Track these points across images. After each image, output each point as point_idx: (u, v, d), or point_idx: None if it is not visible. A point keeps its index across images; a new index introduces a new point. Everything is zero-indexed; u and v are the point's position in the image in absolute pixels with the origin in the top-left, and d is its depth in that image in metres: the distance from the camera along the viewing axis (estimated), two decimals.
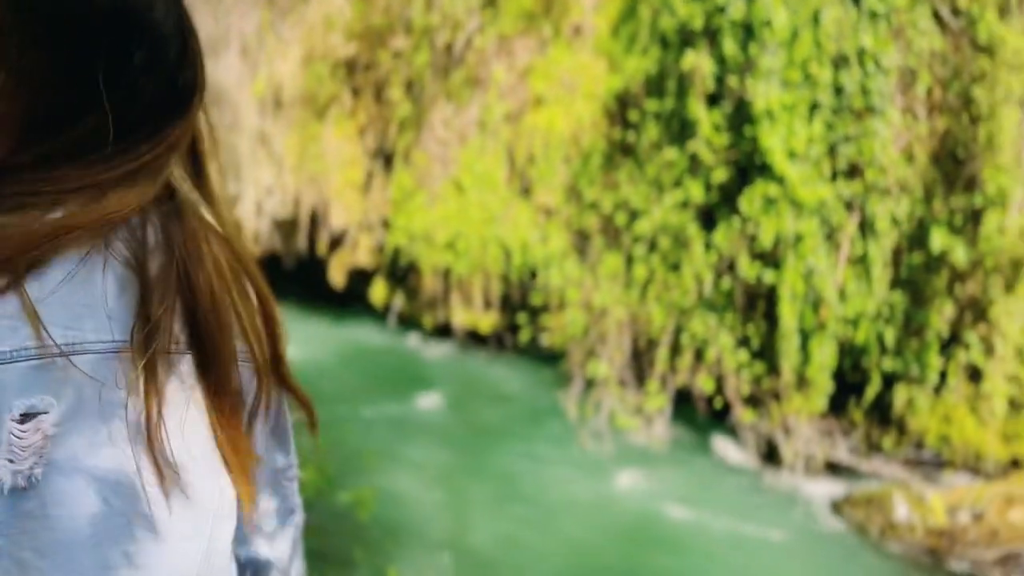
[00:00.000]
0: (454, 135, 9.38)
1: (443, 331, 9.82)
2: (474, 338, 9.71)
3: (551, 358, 9.05)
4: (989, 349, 7.35)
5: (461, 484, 8.01)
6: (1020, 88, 7.08)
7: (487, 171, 9.26)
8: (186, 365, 0.86)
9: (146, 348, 0.81)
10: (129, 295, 0.82)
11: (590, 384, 8.42)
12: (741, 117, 7.95)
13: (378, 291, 10.12)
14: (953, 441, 7.70)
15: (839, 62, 7.64)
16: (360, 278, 10.09)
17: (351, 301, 10.14)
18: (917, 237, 7.54)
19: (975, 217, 7.28)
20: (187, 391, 0.86)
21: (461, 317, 9.59)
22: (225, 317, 0.88)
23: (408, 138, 9.56)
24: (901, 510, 7.53)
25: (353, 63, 9.50)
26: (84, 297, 0.80)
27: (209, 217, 0.92)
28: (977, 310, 7.41)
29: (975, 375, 7.48)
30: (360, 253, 9.87)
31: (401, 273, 9.84)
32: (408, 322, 10.01)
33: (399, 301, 9.96)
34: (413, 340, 9.98)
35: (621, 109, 8.83)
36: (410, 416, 8.83)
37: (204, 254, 0.87)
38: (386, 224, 9.73)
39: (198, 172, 0.94)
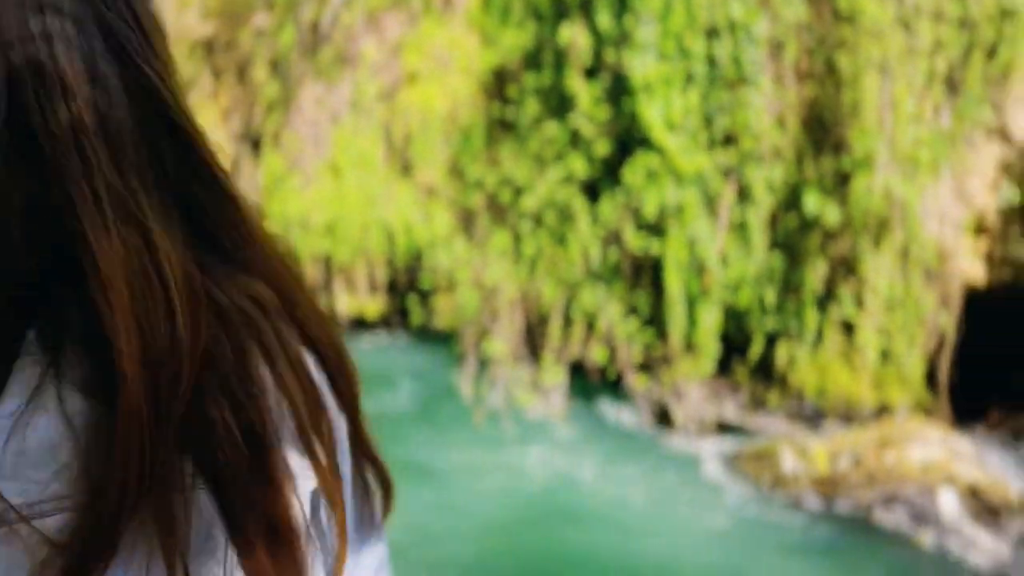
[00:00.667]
0: (326, 115, 9.02)
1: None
2: (361, 325, 9.47)
3: (443, 340, 8.96)
4: (860, 303, 7.81)
5: None
6: (879, 54, 7.47)
7: (363, 151, 8.98)
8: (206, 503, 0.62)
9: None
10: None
11: (485, 363, 8.39)
12: (619, 90, 8.02)
13: None
14: (829, 392, 8.17)
15: (711, 33, 7.82)
16: None
17: None
18: (791, 201, 7.88)
19: (844, 179, 7.67)
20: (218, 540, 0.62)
21: (345, 304, 9.32)
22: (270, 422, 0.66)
23: (276, 120, 9.12)
24: (788, 462, 7.94)
25: (212, 43, 8.95)
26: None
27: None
28: (848, 267, 7.84)
29: (848, 329, 7.94)
30: None
31: None
32: None
33: None
34: None
35: (499, 84, 8.74)
36: None
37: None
38: (258, 211, 9.27)
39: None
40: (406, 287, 9.10)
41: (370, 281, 9.19)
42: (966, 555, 6.92)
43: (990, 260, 7.80)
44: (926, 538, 7.20)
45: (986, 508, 7.15)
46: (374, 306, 9.28)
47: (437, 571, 6.73)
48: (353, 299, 9.27)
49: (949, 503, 7.26)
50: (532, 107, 8.40)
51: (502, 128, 8.75)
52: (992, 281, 7.81)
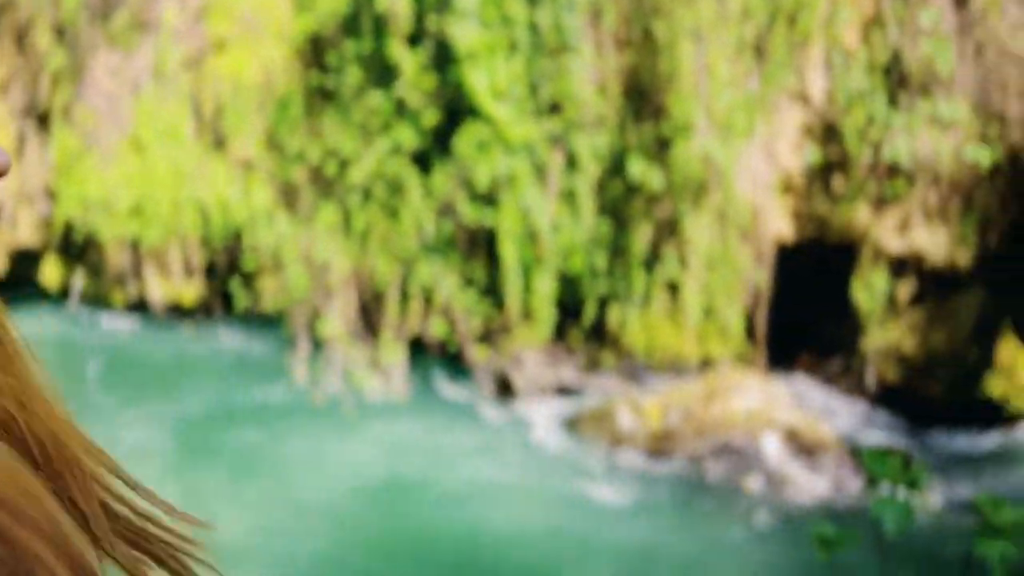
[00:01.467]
0: (123, 86, 8.25)
1: (139, 308, 8.82)
2: (178, 313, 8.84)
3: (272, 323, 8.54)
4: (683, 264, 8.16)
5: (193, 472, 7.39)
6: (693, 21, 7.74)
7: (170, 124, 8.31)
8: None
9: None
10: None
11: (319, 345, 8.09)
12: (444, 58, 7.86)
13: (50, 272, 8.78)
14: (658, 350, 8.53)
15: (532, 0, 7.81)
16: (26, 259, 8.68)
17: (19, 287, 8.71)
18: (616, 167, 8.08)
19: (664, 145, 7.94)
20: None
21: (158, 291, 8.66)
22: None
23: (66, 92, 8.25)
24: (624, 420, 8.25)
25: None
26: None
27: None
28: (671, 230, 8.16)
29: (673, 288, 8.29)
30: (22, 230, 8.46)
31: (77, 249, 8.60)
32: (95, 303, 8.83)
33: (80, 281, 8.73)
34: (105, 323, 8.86)
35: (316, 51, 8.33)
36: (112, 408, 7.89)
37: None
38: (51, 194, 8.40)
39: None
40: (226, 270, 8.57)
41: (185, 265, 8.58)
42: (789, 494, 7.49)
43: (797, 217, 8.38)
44: (753, 481, 7.73)
45: (804, 449, 7.76)
46: (191, 291, 8.69)
47: (287, 567, 6.48)
48: (167, 285, 8.63)
49: (772, 447, 7.82)
50: (354, 75, 8.07)
51: (322, 97, 8.37)
52: (799, 237, 8.39)
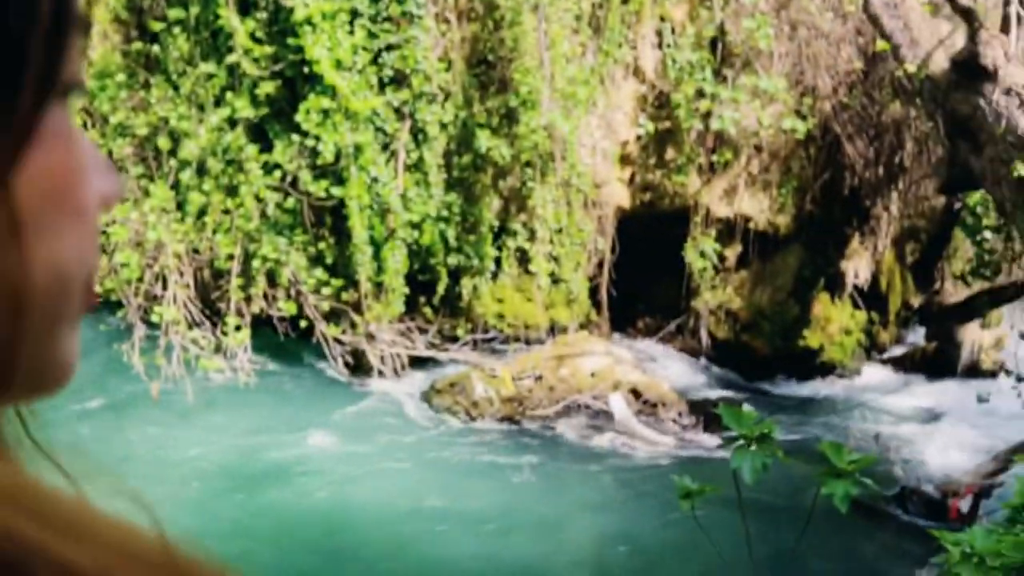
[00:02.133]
0: None
1: None
2: None
3: (102, 310, 7.92)
4: (532, 234, 8.33)
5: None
6: None
7: None
8: None
9: None
10: None
11: (156, 331, 7.61)
12: (281, 26, 7.52)
13: None
14: (508, 318, 8.69)
15: None
16: None
17: None
18: (464, 139, 8.08)
19: (510, 117, 8.02)
20: None
21: None
22: None
23: None
24: (479, 388, 8.36)
25: None
26: None
27: None
28: (519, 201, 8.29)
29: (522, 259, 8.45)
30: None
31: None
32: None
33: None
34: None
35: (137, 18, 7.71)
36: None
37: None
38: None
39: None
40: None
41: None
42: (634, 447, 7.90)
43: (634, 186, 8.74)
44: (603, 439, 8.09)
45: (647, 405, 8.19)
46: None
47: None
48: None
49: (618, 406, 8.20)
50: (181, 43, 7.55)
51: (147, 67, 7.78)
52: (636, 205, 8.77)
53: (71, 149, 0.32)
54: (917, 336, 9.66)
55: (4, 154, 0.29)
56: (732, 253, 8.85)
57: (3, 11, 0.28)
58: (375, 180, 7.71)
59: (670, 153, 8.69)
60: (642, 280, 8.90)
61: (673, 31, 8.46)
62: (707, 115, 8.36)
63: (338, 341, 7.96)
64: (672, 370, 8.78)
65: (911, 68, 6.60)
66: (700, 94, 8.38)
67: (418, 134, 7.90)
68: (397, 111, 7.82)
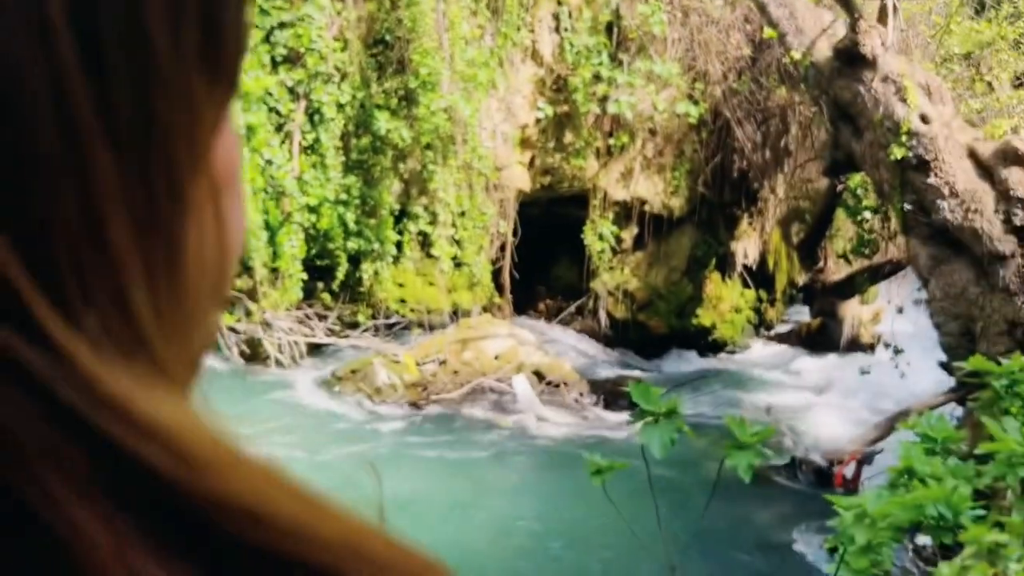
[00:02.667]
0: None
1: None
2: None
3: None
4: (433, 217, 8.28)
5: None
6: None
7: None
8: None
9: None
10: None
11: None
12: None
13: None
14: (410, 303, 8.63)
15: None
16: None
17: None
18: (362, 120, 7.95)
19: (410, 98, 7.94)
20: None
21: None
22: None
23: None
24: (382, 374, 8.28)
25: None
26: None
27: None
28: (420, 184, 8.22)
29: (424, 242, 8.40)
30: None
31: None
32: None
33: None
34: None
35: None
36: None
37: None
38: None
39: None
40: None
41: None
42: (539, 428, 8.00)
43: (534, 169, 8.80)
44: (508, 421, 8.14)
45: (550, 386, 8.30)
46: None
47: None
48: None
49: (522, 386, 8.27)
50: None
51: None
52: (536, 188, 8.84)
53: (231, 135, 0.32)
54: (802, 313, 10.11)
55: (211, 127, 0.30)
56: (629, 235, 9.04)
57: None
58: (269, 162, 7.51)
59: (568, 137, 8.79)
60: (543, 262, 8.99)
61: (570, 15, 8.54)
62: (604, 99, 8.48)
63: (232, 330, 7.74)
64: (573, 350, 8.92)
65: (796, 55, 6.87)
66: (597, 78, 8.50)
67: (314, 115, 7.74)
68: (291, 91, 7.63)
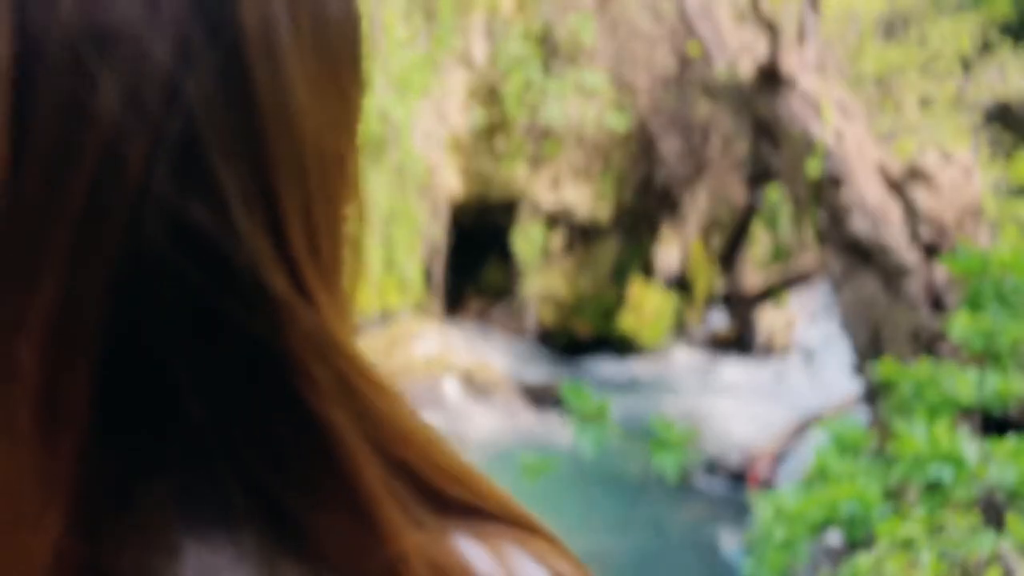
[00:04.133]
0: None
1: None
2: None
3: None
4: (364, 219, 8.31)
5: None
6: None
7: None
8: None
9: None
10: None
11: None
12: None
13: None
14: None
15: None
16: None
17: None
18: None
19: None
20: None
21: None
22: None
23: None
24: None
25: None
26: None
27: None
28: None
29: (353, 244, 8.41)
30: None
31: None
32: None
33: None
34: None
35: None
36: None
37: None
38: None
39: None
40: None
41: None
42: (468, 431, 8.10)
43: (466, 175, 8.92)
44: (437, 423, 8.18)
45: (479, 388, 8.41)
46: None
47: None
48: None
49: (452, 389, 8.36)
50: None
51: None
52: (467, 193, 8.95)
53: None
54: (721, 319, 10.48)
55: (358, 113, 0.38)
56: (557, 241, 9.23)
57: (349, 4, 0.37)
58: None
59: (499, 143, 8.94)
60: (474, 266, 9.11)
61: (503, 23, 8.68)
62: (535, 107, 8.65)
63: None
64: (502, 353, 9.06)
65: (720, 71, 7.16)
66: (528, 86, 8.66)
67: None
68: None
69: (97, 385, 0.32)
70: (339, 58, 0.36)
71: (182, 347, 0.32)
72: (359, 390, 0.36)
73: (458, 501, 0.38)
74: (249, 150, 0.32)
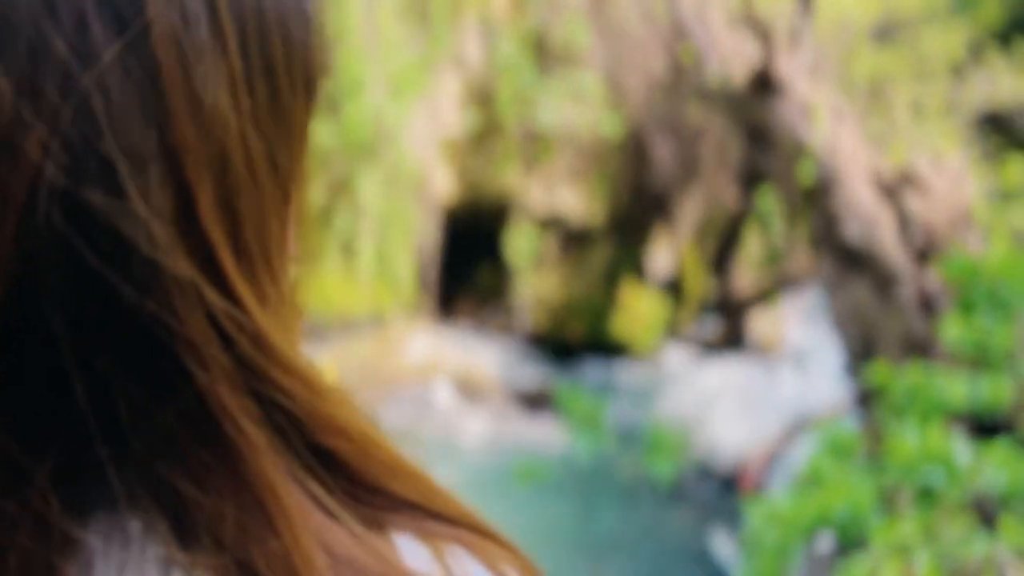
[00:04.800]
0: None
1: None
2: None
3: None
4: (357, 221, 8.30)
5: None
6: None
7: None
8: None
9: None
10: None
11: None
12: None
13: None
14: (332, 307, 8.61)
15: None
16: None
17: None
18: None
19: (335, 102, 7.94)
20: None
21: None
22: None
23: None
24: None
25: None
26: None
27: None
28: (344, 187, 8.23)
29: (348, 246, 8.41)
30: None
31: None
32: None
33: None
34: None
35: None
36: None
37: None
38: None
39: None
40: None
41: None
42: (458, 435, 8.09)
43: (459, 178, 8.91)
44: (429, 426, 8.20)
45: (470, 391, 8.40)
46: None
47: None
48: None
49: (443, 392, 8.35)
50: None
51: None
52: (460, 195, 8.95)
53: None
54: (713, 323, 10.49)
55: (302, 117, 0.40)
56: (550, 244, 9.23)
57: (305, 25, 0.38)
58: None
59: (492, 146, 8.94)
60: (466, 269, 9.10)
61: (496, 26, 8.69)
62: (528, 111, 8.66)
63: None
64: (494, 357, 9.05)
65: (713, 75, 7.18)
66: (521, 89, 8.67)
67: None
68: None
69: None
70: (274, 62, 0.37)
71: (73, 326, 0.33)
72: (273, 379, 0.35)
73: (400, 498, 0.39)
74: (154, 140, 0.33)
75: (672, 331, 10.01)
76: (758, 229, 9.33)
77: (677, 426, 7.83)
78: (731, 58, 7.15)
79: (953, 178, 5.89)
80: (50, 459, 0.34)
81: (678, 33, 7.82)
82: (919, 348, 5.19)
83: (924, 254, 5.75)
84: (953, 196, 5.90)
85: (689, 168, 9.39)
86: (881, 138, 7.96)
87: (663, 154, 9.16)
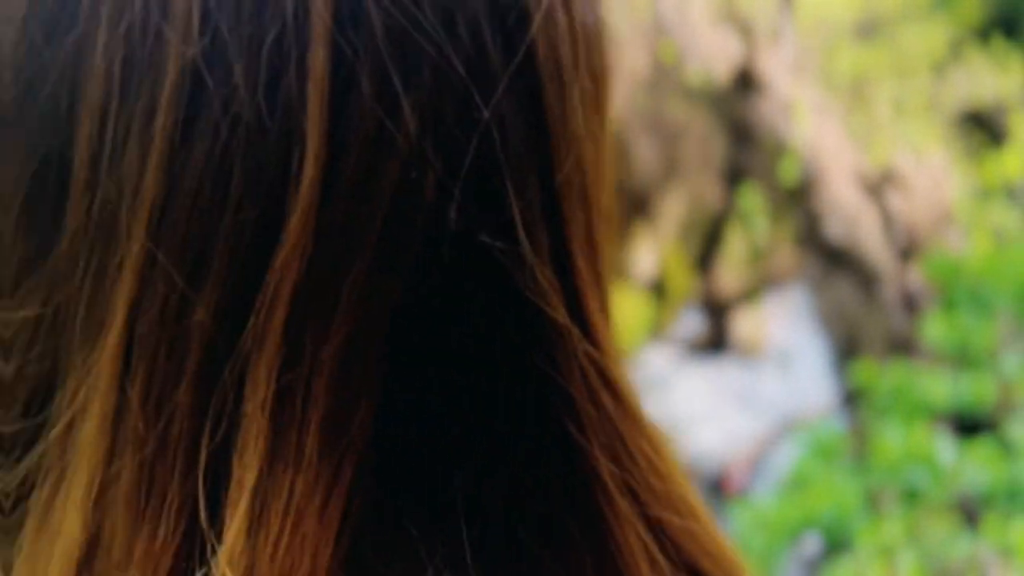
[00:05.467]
0: None
1: None
2: None
3: None
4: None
5: None
6: None
7: None
8: None
9: None
10: None
11: None
12: None
13: None
14: None
15: None
16: None
17: None
18: None
19: None
20: None
21: None
22: None
23: None
24: None
25: None
26: None
27: None
28: None
29: None
30: None
31: None
32: None
33: None
34: None
35: None
36: None
37: None
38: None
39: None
40: None
41: None
42: None
43: None
44: None
45: None
46: None
47: None
48: None
49: None
50: None
51: None
52: None
53: None
54: (696, 322, 10.49)
55: (611, 130, 0.38)
56: None
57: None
58: None
59: None
60: None
61: None
62: None
63: None
64: None
65: (695, 74, 7.17)
66: None
67: None
68: None
69: (377, 415, 0.30)
70: (601, 75, 0.34)
71: (458, 379, 0.30)
72: (626, 437, 0.33)
73: None
74: (539, 175, 0.30)
75: (654, 331, 9.98)
76: (741, 228, 9.31)
77: (659, 426, 7.80)
78: (712, 56, 7.13)
79: (935, 176, 5.91)
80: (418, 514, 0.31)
81: (659, 30, 7.79)
82: (902, 347, 5.19)
83: (906, 252, 5.76)
84: (935, 194, 5.91)
85: (671, 167, 9.38)
86: (863, 136, 7.97)
87: (644, 153, 9.14)
